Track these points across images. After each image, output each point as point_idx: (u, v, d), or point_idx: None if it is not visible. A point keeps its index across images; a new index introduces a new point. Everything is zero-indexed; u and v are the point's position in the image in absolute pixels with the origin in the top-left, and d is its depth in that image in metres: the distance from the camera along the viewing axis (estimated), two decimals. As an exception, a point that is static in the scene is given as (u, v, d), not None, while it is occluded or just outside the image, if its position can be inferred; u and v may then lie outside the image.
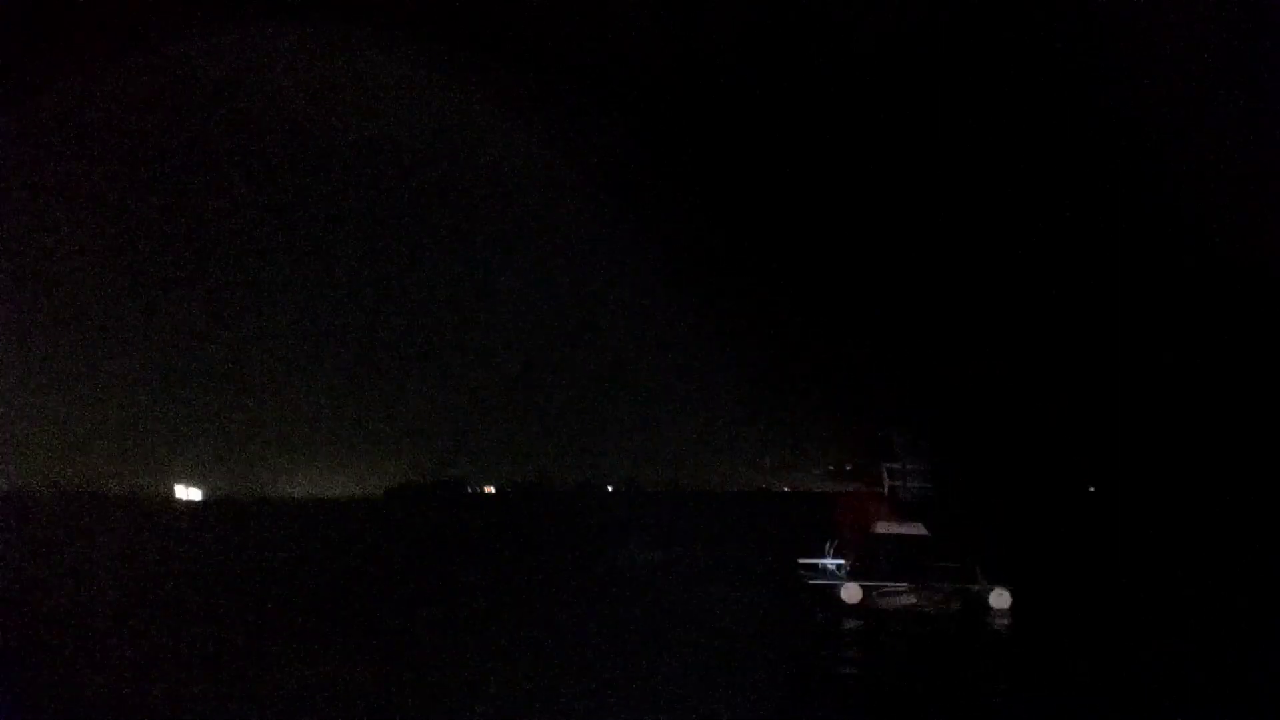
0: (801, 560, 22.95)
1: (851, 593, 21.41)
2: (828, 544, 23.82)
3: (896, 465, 24.62)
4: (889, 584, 21.77)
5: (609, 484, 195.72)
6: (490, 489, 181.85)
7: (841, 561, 22.94)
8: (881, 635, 17.23)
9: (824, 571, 22.61)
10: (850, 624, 17.86)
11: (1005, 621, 18.55)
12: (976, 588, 20.95)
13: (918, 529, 22.94)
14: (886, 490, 24.38)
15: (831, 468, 26.47)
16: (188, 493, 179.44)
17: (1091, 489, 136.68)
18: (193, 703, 11.00)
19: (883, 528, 23.57)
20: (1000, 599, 20.41)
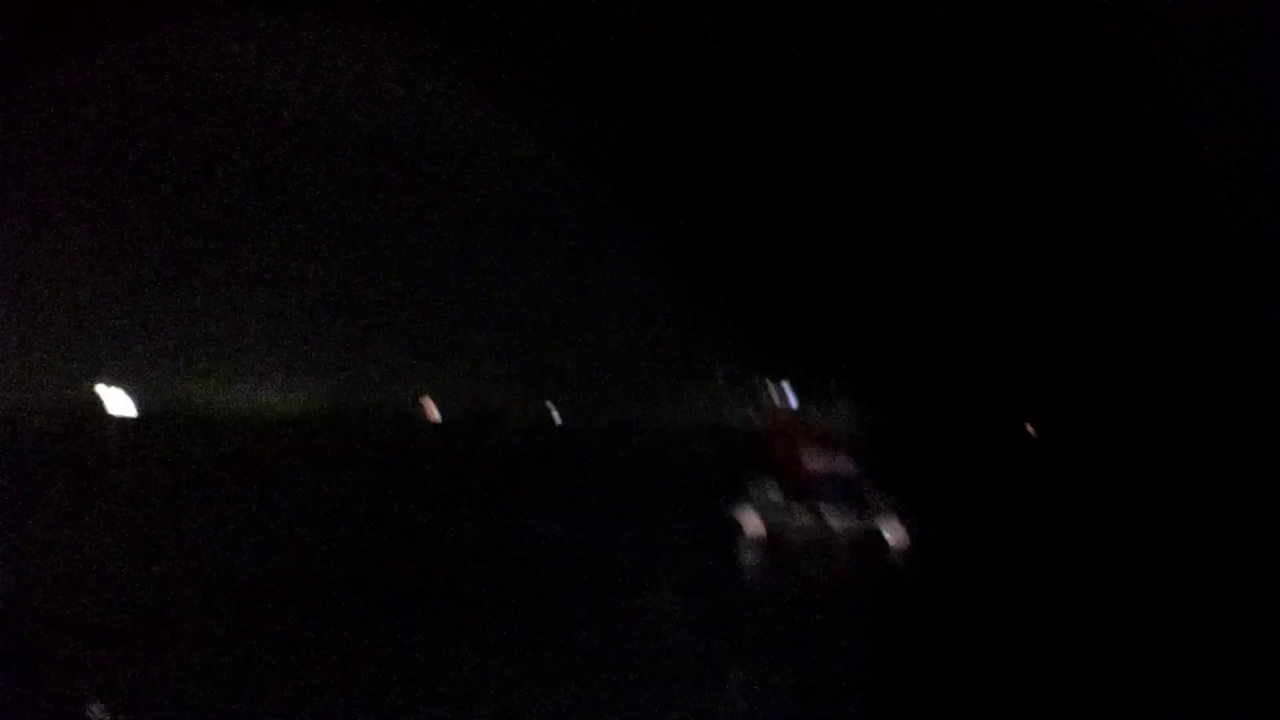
0: (747, 490, 23.76)
1: (753, 521, 22.16)
2: (766, 479, 24.23)
3: (826, 406, 25.15)
4: (794, 516, 22.56)
5: (559, 417, 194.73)
6: (435, 416, 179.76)
7: (780, 495, 23.72)
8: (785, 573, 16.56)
9: (763, 503, 23.16)
10: (755, 561, 17.36)
11: (898, 553, 18.77)
12: (876, 520, 21.74)
13: (842, 465, 23.61)
14: (815, 430, 24.94)
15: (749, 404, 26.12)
16: (121, 408, 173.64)
17: (1030, 428, 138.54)
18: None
19: (810, 463, 24.22)
20: (894, 531, 21.25)
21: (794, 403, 25.27)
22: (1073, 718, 6.39)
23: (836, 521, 21.93)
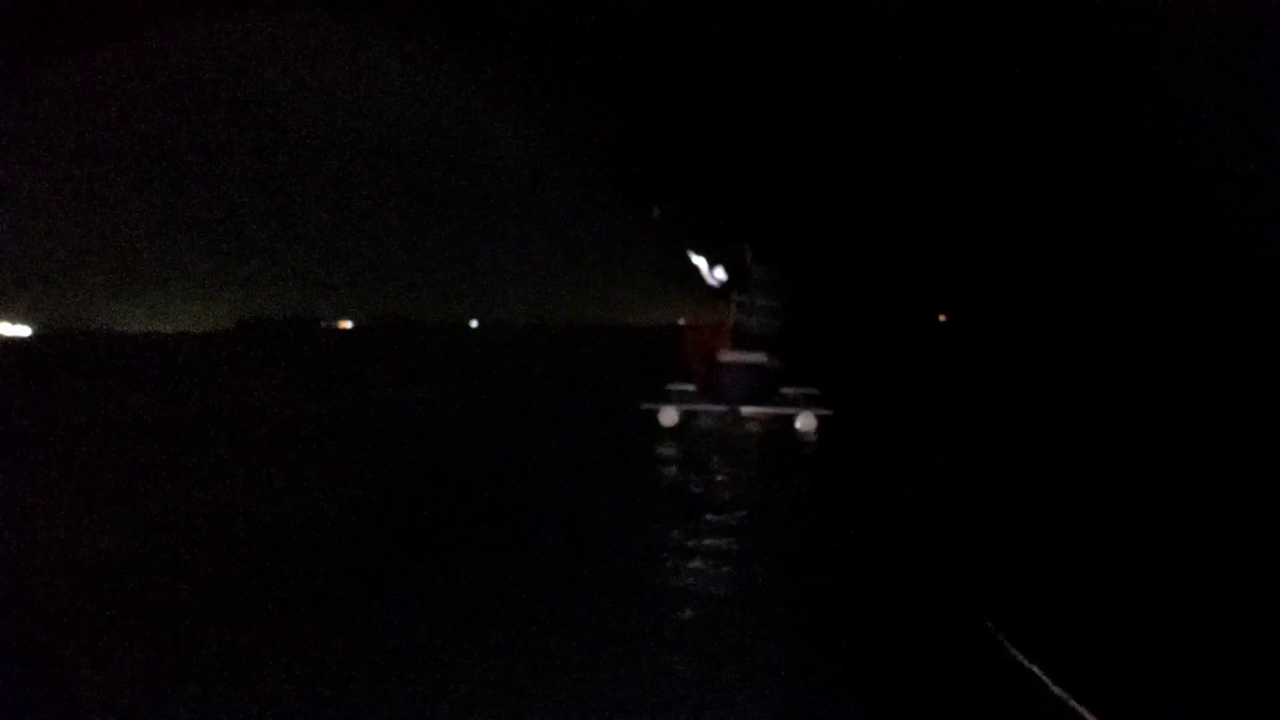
0: (669, 387, 23.77)
1: (669, 416, 22.01)
2: (684, 376, 24.17)
3: (746, 299, 24.68)
4: (705, 407, 22.55)
5: (473, 320, 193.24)
6: (346, 324, 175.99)
7: (693, 387, 23.73)
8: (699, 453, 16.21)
9: (677, 395, 23.06)
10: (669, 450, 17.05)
11: (809, 444, 18.43)
12: (789, 411, 21.67)
13: (759, 358, 23.46)
14: (732, 322, 24.63)
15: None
16: (14, 329, 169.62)
17: (943, 318, 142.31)
18: None
19: (726, 356, 24.06)
20: (807, 422, 21.07)
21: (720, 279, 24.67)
22: (1071, 717, 6.19)
23: (728, 410, 21.65)
